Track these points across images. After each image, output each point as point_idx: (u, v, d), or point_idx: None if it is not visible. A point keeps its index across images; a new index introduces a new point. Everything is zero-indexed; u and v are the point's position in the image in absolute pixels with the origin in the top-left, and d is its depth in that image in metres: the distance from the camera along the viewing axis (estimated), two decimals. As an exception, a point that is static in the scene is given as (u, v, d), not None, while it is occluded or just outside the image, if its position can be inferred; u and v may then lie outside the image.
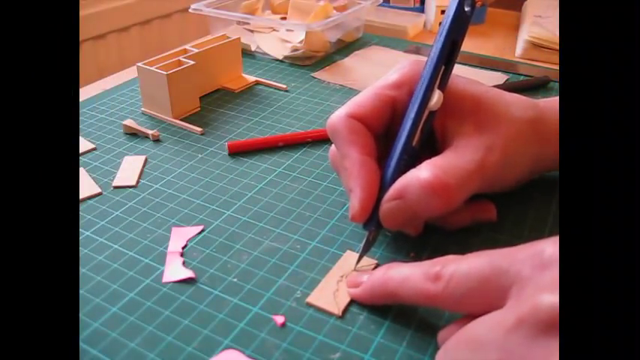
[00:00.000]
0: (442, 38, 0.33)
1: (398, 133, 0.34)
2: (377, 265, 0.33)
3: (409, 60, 0.37)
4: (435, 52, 0.33)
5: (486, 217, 0.36)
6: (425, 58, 0.35)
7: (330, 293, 0.31)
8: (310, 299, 0.31)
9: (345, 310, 0.30)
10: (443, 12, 0.79)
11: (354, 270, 0.33)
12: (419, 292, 0.27)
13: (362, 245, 0.33)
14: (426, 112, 0.33)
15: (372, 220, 0.33)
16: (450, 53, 0.33)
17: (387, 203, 0.32)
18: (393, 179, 0.32)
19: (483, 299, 0.25)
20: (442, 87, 0.33)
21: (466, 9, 0.33)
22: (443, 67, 0.33)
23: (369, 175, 0.33)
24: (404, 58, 0.66)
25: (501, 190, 0.36)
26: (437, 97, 0.33)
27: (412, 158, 0.33)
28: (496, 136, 0.33)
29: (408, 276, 0.28)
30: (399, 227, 0.34)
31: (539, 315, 0.21)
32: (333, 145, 0.36)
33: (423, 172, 0.31)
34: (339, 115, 0.34)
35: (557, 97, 0.39)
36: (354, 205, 0.32)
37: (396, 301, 0.29)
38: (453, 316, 0.29)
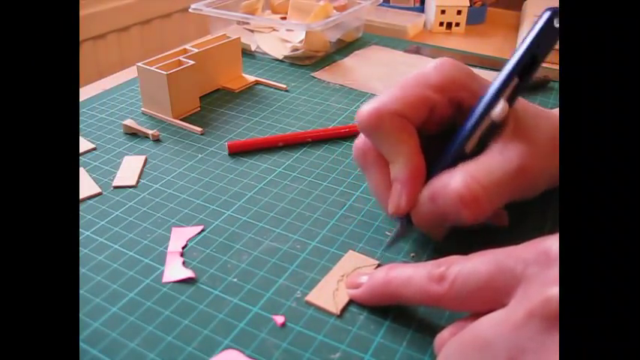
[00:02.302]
0: (522, 49, 0.31)
1: (454, 136, 0.33)
2: (378, 266, 0.33)
3: (451, 61, 0.35)
4: (511, 62, 0.32)
5: (498, 222, 0.35)
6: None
7: (330, 292, 0.31)
8: (309, 298, 0.31)
9: (344, 310, 0.30)
10: (443, 12, 0.79)
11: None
12: (423, 292, 0.27)
13: (392, 235, 0.34)
14: (487, 122, 0.31)
15: (407, 215, 0.33)
16: (528, 67, 0.31)
17: (421, 204, 0.32)
18: None
19: (488, 298, 0.25)
20: (511, 100, 0.32)
21: (556, 25, 0.31)
22: (517, 80, 0.31)
23: (418, 170, 0.32)
24: (404, 58, 0.66)
25: (527, 197, 0.35)
26: (501, 107, 0.31)
27: (462, 162, 0.32)
28: (535, 144, 0.32)
29: (411, 276, 0.28)
30: (428, 228, 0.33)
31: (551, 307, 0.21)
32: (359, 139, 0.35)
33: (456, 179, 0.30)
34: (380, 110, 0.32)
35: None
36: (399, 199, 0.32)
37: (398, 302, 0.29)
38: (454, 317, 0.29)
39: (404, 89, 0.33)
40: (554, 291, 0.21)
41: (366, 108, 0.33)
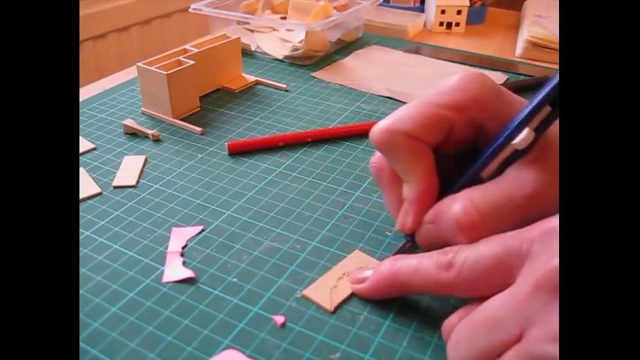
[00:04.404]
0: (558, 77, 0.28)
1: (475, 160, 0.31)
2: None
3: (476, 77, 0.32)
4: (545, 88, 0.29)
5: None
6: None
7: (328, 289, 0.31)
8: (306, 292, 0.31)
9: (339, 308, 0.31)
10: (443, 12, 0.79)
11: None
12: (431, 281, 0.27)
13: (397, 249, 0.34)
14: (509, 149, 0.29)
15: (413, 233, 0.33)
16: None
17: (424, 224, 0.32)
18: None
19: (497, 281, 0.25)
20: (540, 130, 0.29)
21: None
22: (549, 109, 0.29)
23: (429, 193, 0.31)
24: (404, 58, 0.66)
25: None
26: (525, 135, 0.29)
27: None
28: (553, 170, 0.29)
29: (419, 266, 0.28)
30: (430, 247, 0.32)
31: (556, 277, 0.22)
32: (375, 156, 0.34)
33: (456, 204, 0.29)
34: (393, 131, 0.31)
35: None
36: (406, 219, 0.32)
37: (405, 292, 0.29)
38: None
39: (420, 107, 0.31)
40: (557, 261, 0.22)
41: (379, 126, 0.32)
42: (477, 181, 0.30)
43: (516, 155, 0.29)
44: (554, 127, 0.29)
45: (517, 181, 0.29)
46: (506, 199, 0.28)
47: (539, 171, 0.29)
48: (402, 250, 0.34)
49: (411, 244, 0.33)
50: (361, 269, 0.32)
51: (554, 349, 0.21)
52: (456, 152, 0.33)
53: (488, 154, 0.30)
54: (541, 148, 0.29)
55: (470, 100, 0.31)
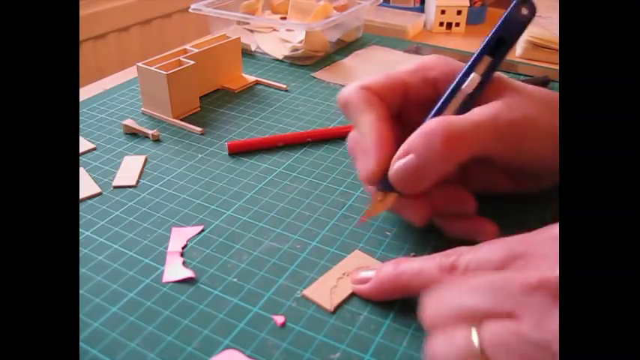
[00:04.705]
0: (491, 32, 0.34)
1: (430, 110, 0.34)
2: None
3: (425, 56, 0.37)
4: (483, 42, 0.34)
5: (485, 239, 0.35)
6: (421, 58, 0.36)
7: (328, 289, 0.31)
8: (306, 292, 0.31)
9: (339, 308, 0.30)
10: (443, 12, 0.79)
11: (364, 216, 0.34)
12: (435, 284, 0.27)
13: (367, 207, 0.35)
14: (460, 95, 0.33)
15: (384, 182, 0.33)
16: (496, 48, 0.34)
17: (396, 161, 0.32)
18: None
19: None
20: (485, 76, 0.34)
21: (524, 12, 0.34)
22: (489, 59, 0.34)
23: (383, 136, 0.33)
24: (404, 58, 0.66)
25: (512, 167, 0.35)
26: (471, 78, 0.33)
27: None
28: (517, 98, 0.33)
29: (422, 269, 0.28)
30: (409, 190, 0.32)
31: (557, 286, 0.21)
32: (352, 132, 0.36)
33: (430, 123, 0.31)
34: (350, 87, 0.35)
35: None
36: (367, 164, 0.32)
37: (407, 294, 0.29)
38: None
39: (378, 75, 0.36)
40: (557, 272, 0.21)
41: (343, 89, 0.35)
42: None
43: (468, 100, 0.33)
44: (503, 79, 0.34)
45: (484, 106, 0.32)
46: (476, 115, 0.32)
47: (501, 98, 0.33)
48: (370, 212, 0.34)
49: (384, 193, 0.34)
50: (361, 269, 0.32)
51: (555, 345, 0.21)
52: (419, 118, 0.35)
53: (442, 102, 0.34)
54: (493, 95, 0.33)
55: (419, 64, 0.36)
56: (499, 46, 0.34)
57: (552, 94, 0.36)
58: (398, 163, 0.32)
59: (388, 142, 0.33)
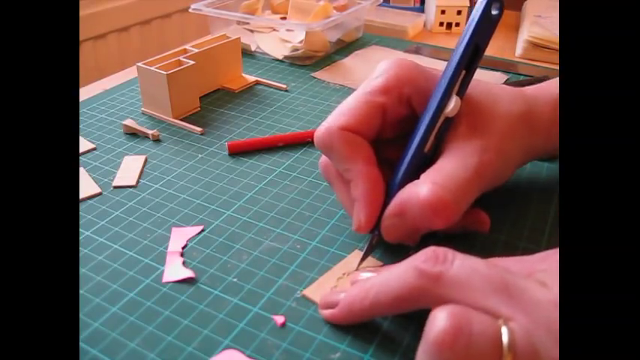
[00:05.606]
0: (465, 41, 0.31)
1: (410, 138, 0.33)
2: (382, 266, 0.33)
3: (392, 61, 0.35)
4: (456, 55, 0.32)
5: (479, 229, 0.35)
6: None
7: (328, 289, 0.31)
8: (306, 292, 0.31)
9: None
10: (443, 12, 0.79)
11: (357, 269, 0.33)
12: (406, 282, 0.26)
13: (365, 248, 0.33)
14: (442, 119, 0.32)
15: (376, 226, 0.33)
16: (472, 58, 0.32)
17: (388, 220, 0.32)
18: (402, 185, 0.32)
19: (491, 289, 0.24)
20: (461, 93, 0.32)
21: (493, 12, 0.31)
22: (463, 73, 0.32)
23: (374, 186, 0.32)
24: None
25: (497, 185, 0.35)
26: (454, 103, 0.31)
27: (424, 163, 0.32)
28: (489, 136, 0.32)
29: (389, 274, 0.27)
30: (399, 241, 0.33)
31: (557, 318, 0.22)
32: (322, 157, 0.36)
33: (422, 189, 0.30)
34: (330, 128, 0.33)
35: (544, 84, 0.38)
36: (359, 217, 0.32)
37: (380, 313, 0.29)
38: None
39: (350, 102, 0.34)
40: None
41: (319, 128, 0.34)
42: (420, 156, 0.32)
43: (447, 123, 0.32)
44: (473, 90, 0.33)
45: (464, 153, 0.31)
46: (463, 171, 0.31)
47: (478, 140, 0.32)
48: (371, 247, 0.33)
49: (379, 236, 0.33)
50: (363, 270, 0.32)
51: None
52: (396, 136, 0.34)
53: (425, 128, 0.32)
54: (468, 117, 0.32)
55: (391, 80, 0.34)
56: (473, 55, 0.32)
57: (521, 96, 0.35)
58: (390, 222, 0.32)
59: (378, 191, 0.32)
